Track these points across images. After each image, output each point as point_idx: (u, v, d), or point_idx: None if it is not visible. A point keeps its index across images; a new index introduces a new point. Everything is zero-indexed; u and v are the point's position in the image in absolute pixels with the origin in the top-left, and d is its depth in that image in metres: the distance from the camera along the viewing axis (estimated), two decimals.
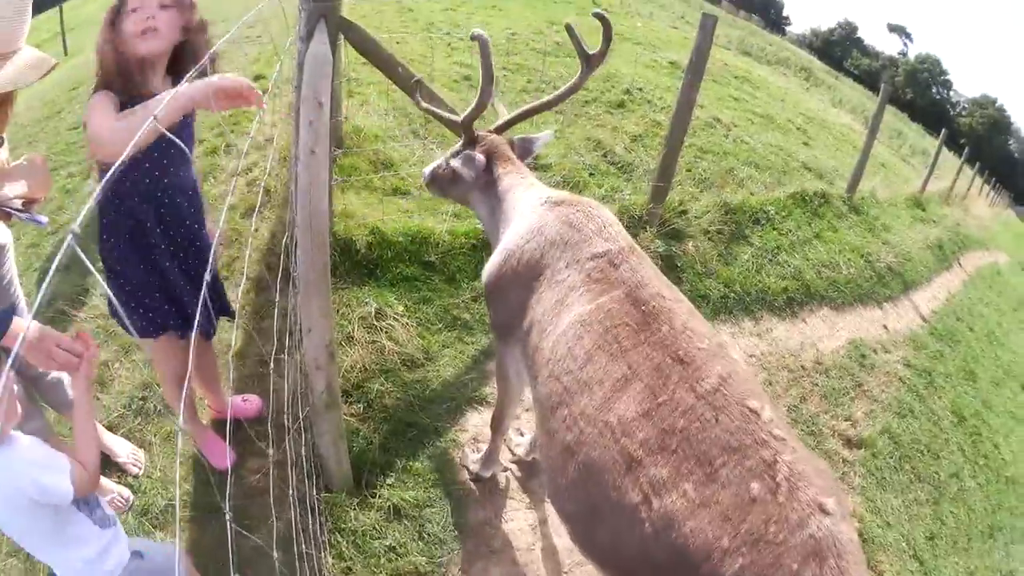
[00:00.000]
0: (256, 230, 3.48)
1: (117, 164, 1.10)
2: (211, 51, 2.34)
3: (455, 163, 2.81)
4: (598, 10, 2.72)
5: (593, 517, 1.75)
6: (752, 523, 1.44)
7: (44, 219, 2.14)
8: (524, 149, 2.93)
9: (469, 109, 2.76)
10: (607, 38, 2.72)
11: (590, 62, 2.78)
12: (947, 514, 4.92)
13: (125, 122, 2.09)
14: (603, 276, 2.05)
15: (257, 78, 7.29)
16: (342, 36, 3.60)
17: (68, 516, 1.78)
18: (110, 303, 2.72)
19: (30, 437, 1.72)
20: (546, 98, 2.91)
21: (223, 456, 3.10)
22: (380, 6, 10.81)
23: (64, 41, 15.16)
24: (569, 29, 2.75)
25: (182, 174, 2.56)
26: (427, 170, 3.07)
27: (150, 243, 2.51)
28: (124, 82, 2.30)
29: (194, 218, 2.63)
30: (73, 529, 1.80)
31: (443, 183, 3.02)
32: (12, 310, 1.76)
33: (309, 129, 2.45)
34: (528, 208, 2.49)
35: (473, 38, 2.63)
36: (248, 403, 3.39)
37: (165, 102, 1.99)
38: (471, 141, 2.87)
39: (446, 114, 3.00)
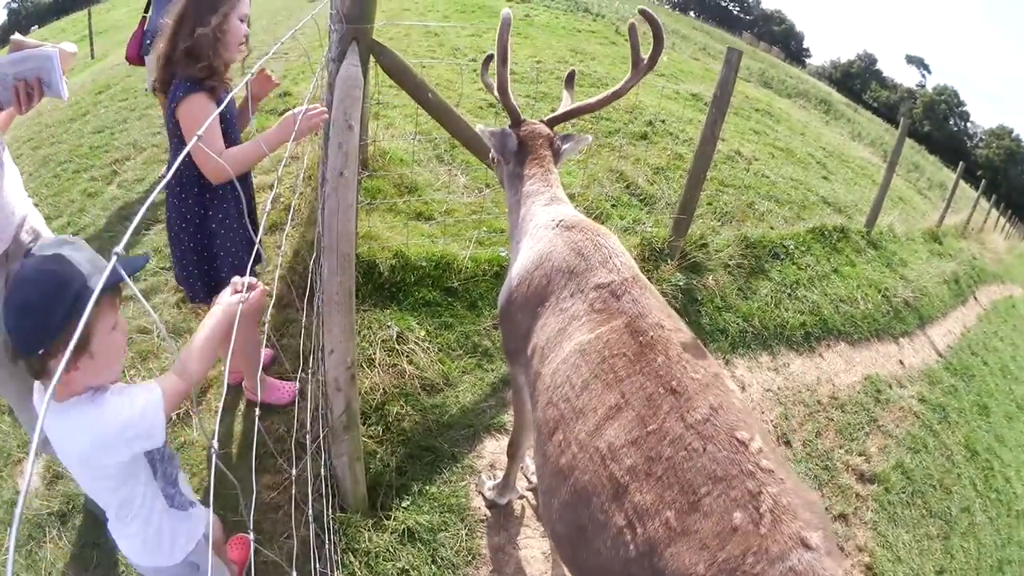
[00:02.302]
0: (280, 247, 3.52)
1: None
2: (254, 70, 2.53)
3: (487, 130, 2.82)
4: (645, 8, 2.71)
5: (581, 539, 1.76)
6: (730, 552, 1.43)
7: (66, 92, 2.23)
8: (560, 148, 2.89)
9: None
10: (658, 43, 2.72)
11: (638, 68, 2.82)
12: (957, 548, 4.88)
13: (237, 153, 2.69)
14: (605, 307, 2.07)
15: (285, 95, 7.39)
16: (373, 59, 3.61)
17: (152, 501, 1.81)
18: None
19: (117, 395, 1.65)
20: (592, 99, 2.92)
21: (288, 392, 3.52)
22: (407, 29, 10.94)
23: (92, 44, 15.39)
24: (631, 29, 2.80)
25: None
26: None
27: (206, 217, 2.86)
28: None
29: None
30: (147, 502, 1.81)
31: (496, 162, 3.05)
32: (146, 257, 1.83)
33: (339, 152, 2.48)
34: (541, 229, 2.50)
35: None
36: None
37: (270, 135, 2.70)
38: (515, 122, 2.88)
39: (496, 89, 2.97)
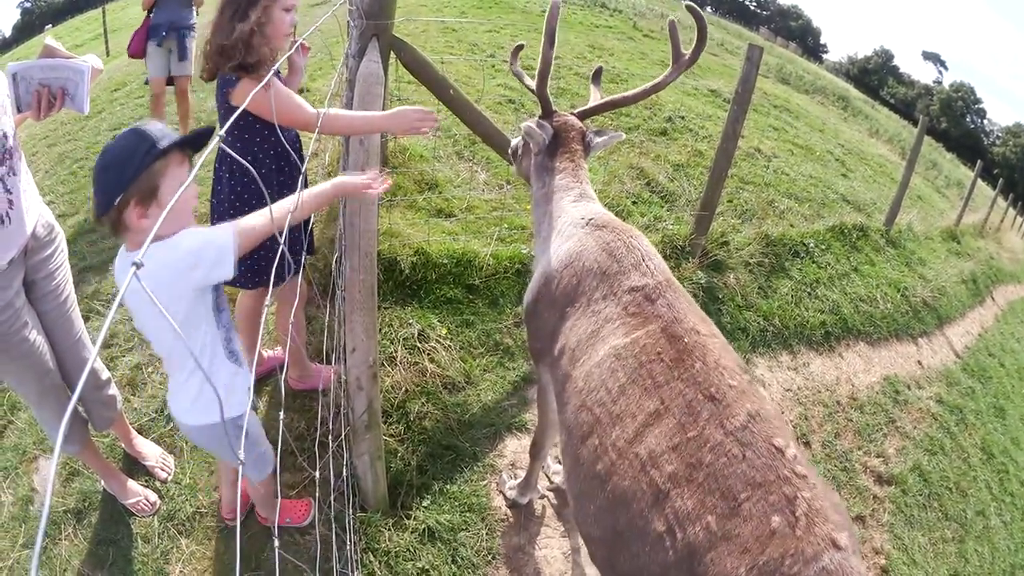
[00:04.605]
0: None
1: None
2: (294, 45, 2.65)
3: (527, 123, 2.74)
4: (692, 4, 2.64)
5: (617, 543, 1.78)
6: (770, 556, 1.46)
7: (87, 107, 2.28)
8: (592, 142, 2.82)
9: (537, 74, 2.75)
10: (701, 39, 2.65)
11: (679, 62, 2.76)
12: (971, 552, 4.86)
13: (340, 116, 2.54)
14: (639, 310, 2.05)
15: (301, 91, 7.37)
16: (393, 55, 3.58)
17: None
18: None
19: (188, 233, 1.86)
20: (629, 92, 2.85)
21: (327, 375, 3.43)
22: (424, 26, 10.91)
23: (107, 42, 15.43)
24: (671, 26, 2.76)
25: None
26: (515, 140, 3.04)
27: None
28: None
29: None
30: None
31: (519, 152, 2.99)
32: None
33: (360, 148, 2.47)
34: (570, 226, 2.46)
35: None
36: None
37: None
38: (547, 112, 2.81)
39: (528, 80, 2.94)
